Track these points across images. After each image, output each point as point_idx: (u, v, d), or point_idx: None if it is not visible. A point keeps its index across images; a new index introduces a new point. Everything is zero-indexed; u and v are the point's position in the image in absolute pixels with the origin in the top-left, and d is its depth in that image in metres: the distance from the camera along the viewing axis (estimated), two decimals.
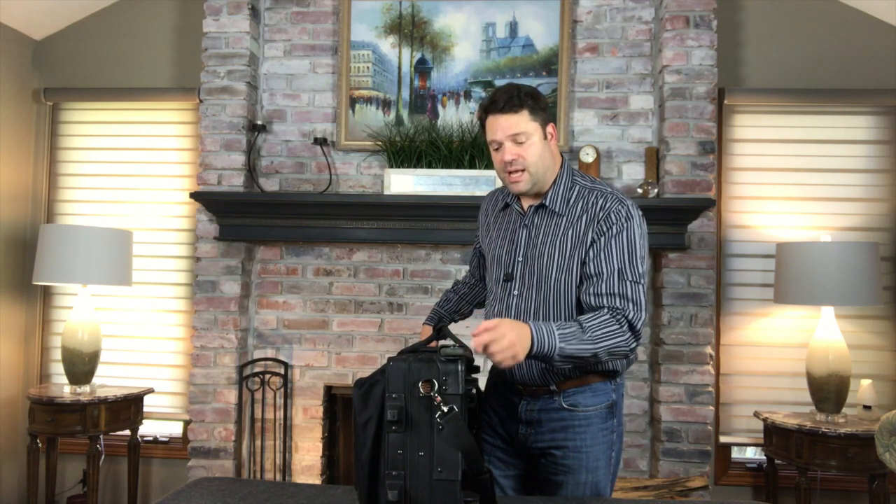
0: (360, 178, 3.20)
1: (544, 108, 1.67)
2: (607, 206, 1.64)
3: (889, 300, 3.13)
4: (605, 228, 1.61)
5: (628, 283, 1.58)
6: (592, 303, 1.59)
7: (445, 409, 1.27)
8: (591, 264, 1.61)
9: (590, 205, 1.66)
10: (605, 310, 1.55)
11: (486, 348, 1.37)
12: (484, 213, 1.93)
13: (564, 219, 1.68)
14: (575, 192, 1.69)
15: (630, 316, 1.55)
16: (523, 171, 1.65)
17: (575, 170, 1.76)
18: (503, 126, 1.64)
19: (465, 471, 1.29)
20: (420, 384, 1.29)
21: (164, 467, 3.42)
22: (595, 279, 1.59)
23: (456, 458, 1.28)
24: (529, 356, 1.43)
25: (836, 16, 3.22)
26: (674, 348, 2.92)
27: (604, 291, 1.57)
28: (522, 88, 1.66)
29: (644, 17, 3.12)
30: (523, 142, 1.63)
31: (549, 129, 1.69)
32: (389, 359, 1.34)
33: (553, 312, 1.67)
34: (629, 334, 1.54)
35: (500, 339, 1.38)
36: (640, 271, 1.61)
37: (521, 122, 1.63)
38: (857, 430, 2.65)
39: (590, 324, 1.50)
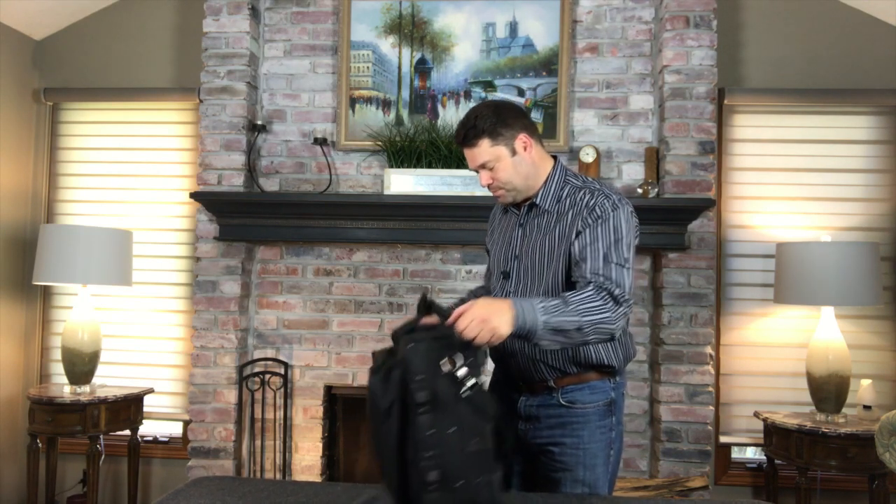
0: (360, 178, 3.20)
1: (509, 125, 1.68)
2: (594, 201, 1.67)
3: (889, 300, 3.12)
4: (591, 220, 1.64)
5: (613, 265, 1.60)
6: (581, 283, 1.61)
7: (474, 380, 1.28)
8: (579, 253, 1.64)
9: (577, 200, 1.70)
10: (590, 286, 1.56)
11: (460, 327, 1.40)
12: (492, 218, 2.00)
13: (554, 216, 1.73)
14: (566, 191, 1.73)
15: (614, 291, 1.56)
16: (500, 189, 1.74)
17: (569, 170, 1.80)
18: (469, 157, 1.73)
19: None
20: (444, 361, 1.29)
21: (164, 467, 3.42)
22: (581, 264, 1.62)
23: (487, 426, 1.30)
24: (514, 332, 1.44)
25: (836, 16, 3.22)
26: (674, 348, 2.92)
27: (588, 273, 1.60)
28: (480, 114, 1.69)
29: (644, 17, 3.12)
30: (492, 167, 1.70)
31: (519, 142, 1.70)
32: (399, 341, 1.34)
33: None
34: (614, 311, 1.54)
35: (467, 315, 1.40)
36: (626, 255, 1.63)
37: (482, 152, 1.69)
38: (857, 430, 2.65)
39: (573, 298, 1.52)
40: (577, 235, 1.65)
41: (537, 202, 1.75)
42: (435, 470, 1.26)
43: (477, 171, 1.76)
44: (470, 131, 1.69)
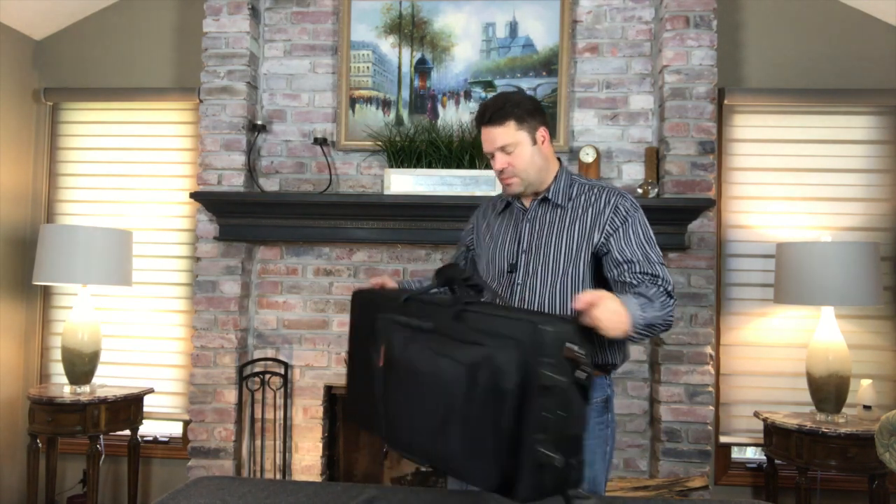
0: (360, 178, 3.20)
1: (533, 115, 1.74)
2: (612, 200, 1.73)
3: (889, 300, 3.12)
4: (619, 222, 1.71)
5: (656, 264, 1.69)
6: (634, 281, 1.67)
7: (588, 369, 1.29)
8: (619, 254, 1.69)
9: (593, 200, 1.75)
10: (646, 282, 1.64)
11: (589, 314, 1.39)
12: (483, 215, 1.99)
13: (569, 212, 1.76)
14: (575, 189, 1.79)
15: (668, 288, 1.65)
16: (514, 176, 1.75)
17: (571, 171, 1.86)
18: (491, 138, 1.73)
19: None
20: (568, 346, 1.29)
21: (164, 467, 3.42)
22: (627, 265, 1.68)
23: (586, 413, 1.32)
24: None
25: (836, 16, 3.22)
26: (674, 348, 2.92)
27: (639, 272, 1.67)
28: (510, 98, 1.73)
29: (644, 17, 3.12)
30: (511, 151, 1.72)
31: (539, 133, 1.75)
32: (520, 319, 1.32)
33: (560, 300, 1.72)
34: (673, 305, 1.64)
35: (604, 306, 1.40)
36: (660, 252, 1.72)
37: (507, 133, 1.71)
38: (857, 430, 2.65)
39: (651, 294, 1.59)
40: (607, 237, 1.70)
41: (549, 197, 1.78)
42: (559, 455, 1.26)
43: (491, 157, 1.76)
44: (498, 112, 1.70)
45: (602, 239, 1.70)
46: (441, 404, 1.32)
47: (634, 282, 1.66)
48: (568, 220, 1.75)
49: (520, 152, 1.72)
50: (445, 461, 1.36)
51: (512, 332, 1.30)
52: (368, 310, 1.62)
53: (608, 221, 1.71)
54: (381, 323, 1.51)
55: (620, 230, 1.70)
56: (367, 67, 3.20)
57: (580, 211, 1.75)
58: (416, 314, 1.48)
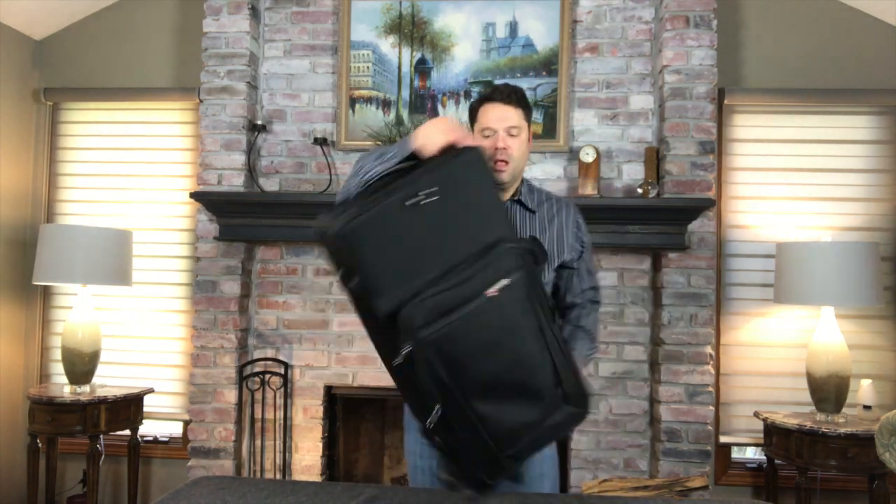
0: None
1: (531, 114, 1.85)
2: (572, 214, 1.85)
3: (889, 300, 3.12)
4: (583, 237, 1.86)
5: (594, 275, 1.92)
6: (579, 301, 1.87)
7: None
8: (582, 267, 1.86)
9: (555, 210, 1.83)
10: (587, 301, 1.87)
11: None
12: None
13: (538, 218, 1.83)
14: (535, 195, 1.85)
15: (601, 299, 1.92)
16: (509, 161, 1.75)
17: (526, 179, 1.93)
18: (502, 115, 1.75)
19: None
20: None
21: (164, 467, 3.42)
22: (579, 281, 1.87)
23: None
24: None
25: (836, 16, 3.22)
26: (674, 348, 2.92)
27: (587, 287, 1.88)
28: (521, 91, 1.81)
29: (644, 17, 3.12)
30: (515, 135, 1.75)
31: (531, 133, 1.83)
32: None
33: None
34: (598, 308, 1.93)
35: None
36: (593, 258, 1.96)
37: (517, 116, 1.76)
38: (857, 430, 2.65)
39: (591, 327, 1.85)
40: (579, 255, 1.83)
41: (521, 199, 1.82)
42: None
43: (489, 135, 1.74)
44: (514, 94, 1.75)
45: (573, 256, 1.82)
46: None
47: (579, 301, 1.85)
48: (538, 227, 1.81)
49: (520, 139, 1.75)
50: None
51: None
52: None
53: (574, 238, 1.82)
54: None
55: (584, 248, 1.85)
56: (367, 67, 3.20)
57: (547, 219, 1.81)
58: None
